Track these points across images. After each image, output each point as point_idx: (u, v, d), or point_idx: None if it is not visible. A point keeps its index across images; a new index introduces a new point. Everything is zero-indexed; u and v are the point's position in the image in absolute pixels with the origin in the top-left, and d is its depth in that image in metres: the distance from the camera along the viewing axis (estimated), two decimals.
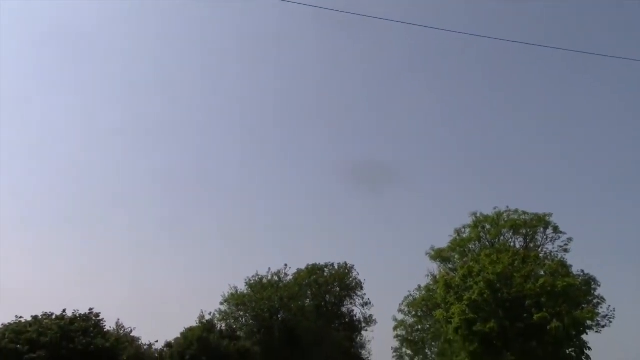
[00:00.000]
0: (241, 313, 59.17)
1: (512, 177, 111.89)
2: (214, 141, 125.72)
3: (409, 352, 61.95)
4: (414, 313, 60.40)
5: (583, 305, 45.63)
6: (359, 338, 66.70)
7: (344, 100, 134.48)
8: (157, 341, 50.88)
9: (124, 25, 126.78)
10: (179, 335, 50.93)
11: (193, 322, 52.89)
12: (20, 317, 43.79)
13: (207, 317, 54.35)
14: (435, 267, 57.48)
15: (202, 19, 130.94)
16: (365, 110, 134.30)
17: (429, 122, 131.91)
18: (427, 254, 57.17)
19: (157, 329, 76.48)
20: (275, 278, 61.08)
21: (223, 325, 56.10)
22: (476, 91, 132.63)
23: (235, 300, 59.25)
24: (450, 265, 56.29)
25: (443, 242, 57.32)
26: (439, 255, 56.71)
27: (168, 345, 50.65)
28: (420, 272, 59.05)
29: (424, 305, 58.37)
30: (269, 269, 61.65)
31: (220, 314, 58.25)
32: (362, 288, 66.99)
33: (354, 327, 66.35)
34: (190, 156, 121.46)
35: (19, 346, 40.23)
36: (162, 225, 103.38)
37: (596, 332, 47.15)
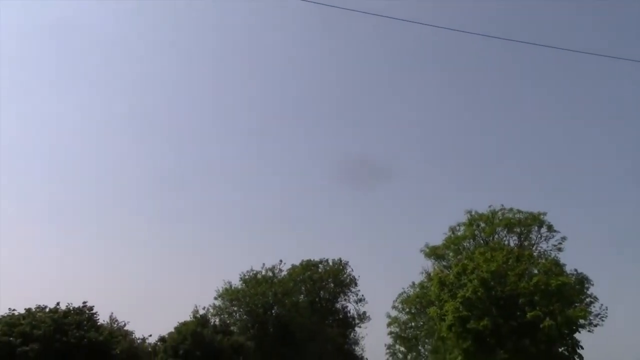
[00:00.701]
0: (235, 308, 59.18)
1: (507, 175, 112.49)
2: (210, 139, 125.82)
3: (402, 348, 62.15)
4: (407, 310, 60.55)
5: (576, 304, 45.77)
6: (352, 334, 66.84)
7: (338, 97, 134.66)
8: (150, 335, 51.07)
9: (125, 24, 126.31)
10: (172, 330, 50.86)
11: (187, 316, 52.91)
12: (14, 310, 43.73)
13: (201, 312, 54.33)
14: (429, 265, 57.71)
15: (198, 17, 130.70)
16: (361, 107, 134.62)
17: (425, 120, 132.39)
18: (421, 251, 57.39)
19: (150, 323, 76.57)
20: (270, 273, 61.12)
21: (217, 320, 56.13)
22: (472, 90, 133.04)
23: (229, 295, 59.21)
24: (444, 263, 56.36)
25: (438, 239, 57.61)
26: (433, 253, 56.76)
27: (162, 339, 50.60)
28: (415, 269, 59.46)
29: (417, 303, 58.51)
30: (264, 264, 61.88)
31: (214, 309, 58.32)
32: (356, 284, 67.20)
33: (347, 324, 66.41)
34: (185, 154, 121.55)
35: (11, 339, 40.13)
36: (156, 220, 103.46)
37: (588, 331, 47.27)
